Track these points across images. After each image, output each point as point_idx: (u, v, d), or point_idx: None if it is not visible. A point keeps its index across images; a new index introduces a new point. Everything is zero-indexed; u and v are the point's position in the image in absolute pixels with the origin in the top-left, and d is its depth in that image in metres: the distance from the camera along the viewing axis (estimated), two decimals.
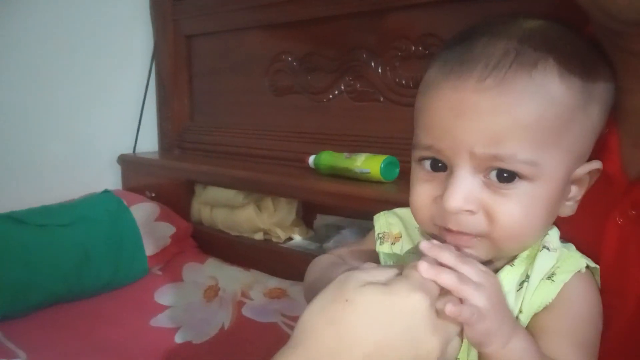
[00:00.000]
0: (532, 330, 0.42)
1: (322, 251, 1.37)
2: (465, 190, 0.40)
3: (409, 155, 0.45)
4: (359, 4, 1.28)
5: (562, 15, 0.99)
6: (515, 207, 0.40)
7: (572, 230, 0.48)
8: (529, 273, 0.43)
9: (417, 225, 0.49)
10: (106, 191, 1.48)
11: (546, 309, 0.42)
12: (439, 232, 0.44)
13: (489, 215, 0.40)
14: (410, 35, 1.22)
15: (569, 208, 0.45)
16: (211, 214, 1.55)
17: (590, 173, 0.44)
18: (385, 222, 0.53)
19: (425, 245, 0.40)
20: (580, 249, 0.47)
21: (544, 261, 0.43)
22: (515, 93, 0.38)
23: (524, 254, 0.45)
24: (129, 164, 1.72)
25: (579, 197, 0.45)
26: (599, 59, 0.43)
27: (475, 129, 0.39)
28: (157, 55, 1.76)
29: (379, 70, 1.28)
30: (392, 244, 0.51)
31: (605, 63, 0.44)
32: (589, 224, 0.48)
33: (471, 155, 0.40)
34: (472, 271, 0.39)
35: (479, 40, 0.42)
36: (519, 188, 0.40)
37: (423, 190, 0.43)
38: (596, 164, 0.44)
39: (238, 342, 1.06)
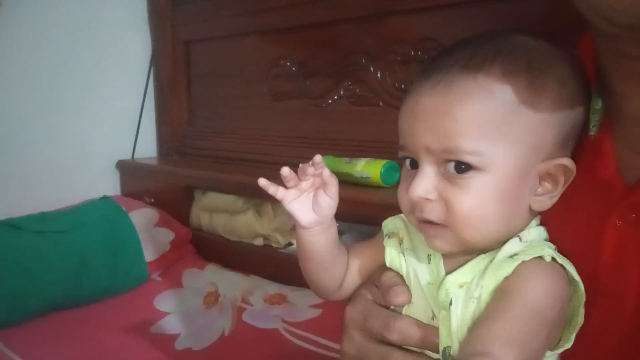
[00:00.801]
0: (491, 301, 0.43)
1: None
2: (425, 182, 0.45)
3: None
4: (358, 8, 1.28)
5: (556, 19, 1.00)
6: (467, 196, 0.44)
7: (570, 234, 0.48)
8: (495, 256, 0.45)
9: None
10: (105, 197, 1.48)
11: (499, 287, 0.43)
12: (416, 225, 0.49)
13: (446, 204, 0.45)
14: (409, 40, 1.22)
15: (541, 203, 0.46)
16: (210, 220, 1.55)
17: (563, 170, 0.46)
18: (393, 225, 0.56)
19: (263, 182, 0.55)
20: (579, 253, 0.47)
21: (511, 246, 0.45)
22: (458, 93, 0.44)
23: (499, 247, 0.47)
24: (127, 169, 1.72)
25: (555, 194, 0.46)
26: (554, 59, 0.46)
27: (427, 127, 0.45)
28: (156, 61, 1.76)
29: (378, 75, 1.28)
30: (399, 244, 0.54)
31: (563, 62, 0.46)
32: (587, 229, 0.48)
33: (428, 151, 0.45)
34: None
35: (440, 55, 0.48)
36: (471, 178, 0.44)
37: (403, 186, 0.49)
38: (563, 161, 0.45)
39: (238, 349, 1.05)
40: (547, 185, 0.47)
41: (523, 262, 0.43)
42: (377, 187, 1.12)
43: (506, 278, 0.43)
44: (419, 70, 0.48)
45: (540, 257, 0.44)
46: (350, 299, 0.57)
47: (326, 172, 0.51)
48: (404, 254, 0.53)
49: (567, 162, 0.46)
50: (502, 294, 0.43)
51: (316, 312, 1.14)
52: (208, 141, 1.68)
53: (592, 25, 0.45)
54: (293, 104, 1.46)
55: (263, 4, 1.46)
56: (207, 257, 1.47)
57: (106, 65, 1.66)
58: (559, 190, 0.47)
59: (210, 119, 1.71)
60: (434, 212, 0.46)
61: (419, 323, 0.49)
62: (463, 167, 0.44)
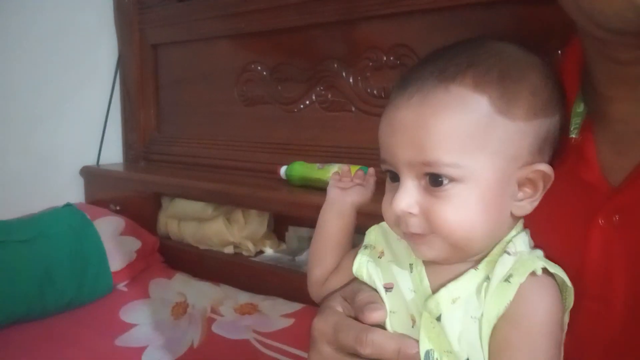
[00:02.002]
0: (493, 342, 0.44)
1: (294, 264, 1.35)
2: (407, 196, 0.46)
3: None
4: (330, 13, 1.27)
5: (528, 27, 1.01)
6: (449, 208, 0.44)
7: (556, 238, 0.48)
8: (489, 276, 0.45)
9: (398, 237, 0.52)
10: (68, 205, 1.43)
11: (504, 317, 0.43)
12: (402, 235, 0.49)
13: (428, 217, 0.45)
14: (381, 46, 1.22)
15: (522, 208, 0.47)
16: (179, 228, 1.51)
17: (541, 176, 0.46)
18: (374, 237, 0.56)
19: None
20: (565, 257, 0.47)
21: (503, 265, 0.45)
22: (433, 106, 0.44)
23: (487, 259, 0.47)
24: (92, 176, 1.67)
25: (535, 198, 0.47)
26: (527, 67, 0.47)
27: (405, 141, 0.45)
28: (122, 65, 1.72)
29: (351, 80, 1.28)
30: (379, 257, 0.54)
31: (536, 70, 0.47)
32: (572, 232, 0.48)
33: (408, 165, 0.46)
34: None
35: (417, 66, 0.48)
36: (451, 190, 0.44)
37: (387, 199, 0.49)
38: (540, 167, 0.46)
39: None
40: (528, 190, 0.47)
41: (521, 285, 0.44)
42: None
43: (508, 307, 0.43)
44: (396, 82, 0.49)
45: (534, 272, 0.44)
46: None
47: (373, 182, 0.61)
48: (380, 265, 0.53)
49: (545, 167, 0.46)
50: (510, 327, 0.43)
51: (288, 322, 1.12)
52: (177, 147, 1.64)
53: (581, 30, 0.46)
54: (264, 110, 1.44)
55: (234, 8, 1.44)
56: (175, 267, 1.43)
57: (71, 69, 1.61)
58: (539, 195, 0.47)
59: (179, 124, 1.68)
60: (418, 225, 0.46)
61: (393, 335, 0.48)
62: (442, 180, 0.45)
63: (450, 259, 0.47)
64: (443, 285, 0.47)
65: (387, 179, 0.50)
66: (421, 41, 1.15)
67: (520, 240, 0.48)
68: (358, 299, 0.51)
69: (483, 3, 1.05)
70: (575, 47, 0.52)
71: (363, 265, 0.53)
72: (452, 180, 0.44)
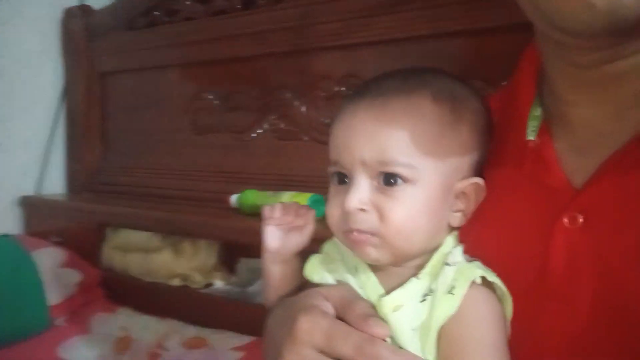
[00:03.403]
0: (443, 342, 0.46)
1: (245, 296, 1.31)
2: (360, 193, 0.48)
3: None
4: (282, 44, 1.28)
5: (473, 55, 1.04)
6: (399, 206, 0.47)
7: (515, 242, 0.49)
8: (432, 287, 0.47)
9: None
10: (4, 235, 1.36)
11: (450, 320, 0.46)
12: (344, 238, 0.50)
13: (380, 214, 0.48)
14: (333, 76, 1.24)
15: (457, 219, 0.51)
16: (124, 259, 1.45)
17: (475, 189, 0.50)
18: (328, 248, 0.57)
19: None
20: (524, 260, 0.48)
21: (445, 276, 0.47)
22: (394, 111, 0.48)
23: (427, 270, 0.49)
24: (31, 206, 1.59)
25: (469, 211, 0.51)
26: (470, 94, 0.52)
27: (364, 141, 0.48)
28: (68, 93, 1.67)
29: (303, 110, 1.28)
30: (331, 264, 0.55)
31: (476, 98, 0.52)
32: (534, 234, 0.48)
33: (363, 164, 0.48)
34: None
35: (373, 80, 0.52)
36: (402, 190, 0.48)
37: (333, 202, 0.51)
38: (476, 180, 0.50)
39: None
40: (461, 203, 0.51)
41: (464, 296, 0.46)
42: None
43: (451, 319, 0.46)
44: (351, 93, 0.52)
45: (474, 281, 0.46)
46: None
47: (312, 216, 0.57)
48: (332, 270, 0.54)
49: (480, 180, 0.50)
50: (453, 340, 0.46)
51: (238, 355, 1.08)
52: (125, 177, 1.60)
53: (540, 33, 0.47)
54: (216, 138, 1.43)
55: (186, 37, 1.44)
56: (119, 301, 1.37)
57: (11, 95, 1.56)
58: (472, 208, 0.51)
59: (128, 154, 1.64)
60: (367, 221, 0.48)
61: (398, 350, 0.46)
62: (395, 180, 0.48)
63: (391, 261, 0.49)
64: (387, 291, 0.49)
65: (330, 184, 0.52)
66: (372, 71, 1.15)
67: (458, 252, 0.50)
68: (356, 307, 0.48)
69: (431, 35, 1.08)
70: (531, 52, 0.53)
71: (314, 267, 0.55)
72: (405, 181, 0.47)
